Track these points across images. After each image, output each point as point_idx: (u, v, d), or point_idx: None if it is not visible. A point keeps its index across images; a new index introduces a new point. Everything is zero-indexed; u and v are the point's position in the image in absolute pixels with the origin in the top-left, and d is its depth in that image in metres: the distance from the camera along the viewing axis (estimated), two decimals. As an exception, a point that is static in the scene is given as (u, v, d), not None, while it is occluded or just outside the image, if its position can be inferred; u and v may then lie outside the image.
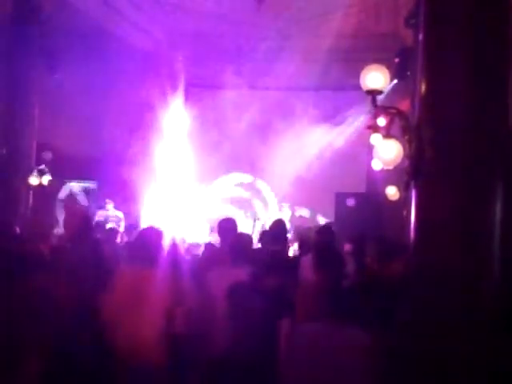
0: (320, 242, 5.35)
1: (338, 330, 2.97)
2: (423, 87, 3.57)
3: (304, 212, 10.80)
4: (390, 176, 7.97)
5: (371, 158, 9.29)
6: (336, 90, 10.84)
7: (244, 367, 3.35)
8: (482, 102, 3.41)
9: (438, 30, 3.59)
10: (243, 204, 11.52)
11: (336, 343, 2.92)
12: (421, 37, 3.68)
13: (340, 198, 9.75)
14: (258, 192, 11.84)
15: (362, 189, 10.27)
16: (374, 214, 8.72)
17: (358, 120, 10.21)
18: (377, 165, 9.65)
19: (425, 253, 3.46)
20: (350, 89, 8.83)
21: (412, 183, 3.53)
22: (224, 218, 5.73)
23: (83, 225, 4.78)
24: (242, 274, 3.81)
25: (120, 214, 9.82)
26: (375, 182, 9.07)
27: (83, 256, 4.33)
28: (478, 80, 3.43)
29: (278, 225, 5.54)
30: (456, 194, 3.36)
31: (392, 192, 8.43)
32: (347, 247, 5.76)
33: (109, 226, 8.24)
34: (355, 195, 9.77)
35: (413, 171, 3.48)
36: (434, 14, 3.66)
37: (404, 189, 3.60)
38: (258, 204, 11.73)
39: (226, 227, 5.32)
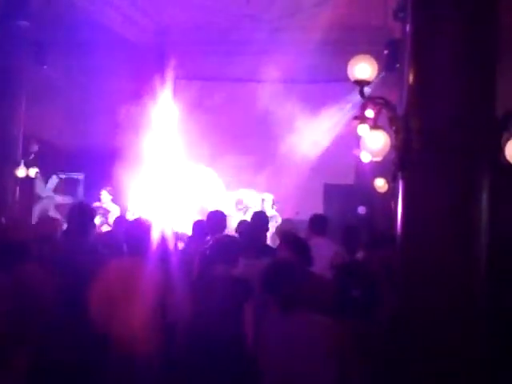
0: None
1: (296, 316, 3.00)
2: (411, 78, 3.57)
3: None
4: (379, 167, 8.00)
5: (359, 150, 9.31)
6: (325, 82, 10.83)
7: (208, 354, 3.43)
8: (470, 93, 3.42)
9: (426, 20, 3.59)
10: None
11: (295, 330, 2.95)
12: (408, 28, 3.68)
13: (328, 189, 9.77)
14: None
15: (350, 180, 10.28)
16: (362, 206, 8.76)
17: (346, 111, 10.21)
18: (365, 156, 9.66)
19: (411, 245, 3.47)
20: (339, 81, 8.82)
21: (399, 174, 3.54)
22: (213, 210, 5.76)
23: (84, 218, 4.71)
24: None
25: (112, 207, 9.46)
26: (364, 174, 9.09)
27: (77, 248, 4.29)
28: (465, 71, 3.43)
29: (259, 217, 5.58)
30: (443, 184, 3.37)
31: (380, 184, 8.46)
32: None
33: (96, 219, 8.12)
34: (343, 187, 9.80)
35: (400, 162, 3.48)
36: (422, 5, 3.67)
37: (391, 180, 3.60)
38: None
39: (216, 220, 5.35)
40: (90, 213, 4.76)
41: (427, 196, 3.40)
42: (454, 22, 3.47)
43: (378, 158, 3.71)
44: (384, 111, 3.62)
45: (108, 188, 9.19)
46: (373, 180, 8.70)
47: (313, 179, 10.09)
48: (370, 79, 3.61)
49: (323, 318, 2.98)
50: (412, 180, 3.47)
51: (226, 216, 5.61)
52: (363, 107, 3.57)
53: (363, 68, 3.60)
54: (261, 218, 5.54)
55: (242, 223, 5.61)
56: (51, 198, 10.21)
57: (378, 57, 4.31)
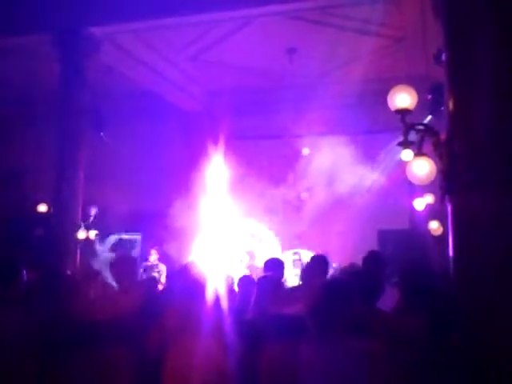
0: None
1: (338, 343, 2.92)
2: (450, 105, 3.64)
3: None
4: (433, 211, 7.95)
5: (412, 196, 9.29)
6: (369, 132, 10.95)
7: None
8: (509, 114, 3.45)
9: (461, 51, 3.69)
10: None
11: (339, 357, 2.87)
12: (444, 57, 3.78)
13: (382, 235, 9.69)
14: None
15: (404, 225, 10.17)
16: (418, 251, 8.63)
17: (394, 159, 10.23)
18: (419, 205, 9.59)
19: (465, 267, 3.43)
20: (383, 130, 8.94)
21: (447, 198, 3.55)
22: (271, 257, 5.80)
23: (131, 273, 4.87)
24: None
25: (162, 267, 9.70)
26: (417, 219, 9.03)
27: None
28: (503, 92, 3.48)
29: (316, 259, 5.55)
30: (490, 205, 3.35)
31: (435, 226, 8.36)
32: None
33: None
34: (398, 232, 9.70)
35: (446, 186, 3.51)
36: (456, 35, 3.77)
37: (439, 202, 3.61)
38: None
39: (273, 266, 5.36)
40: (133, 263, 4.97)
41: (476, 217, 3.39)
42: (488, 56, 3.55)
43: (422, 183, 3.74)
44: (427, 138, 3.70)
45: (156, 247, 9.57)
46: (427, 224, 8.62)
47: (366, 227, 10.06)
48: (411, 107, 3.71)
49: (370, 343, 2.92)
50: (459, 202, 3.48)
51: (283, 262, 5.66)
52: (405, 134, 3.65)
53: (403, 97, 3.72)
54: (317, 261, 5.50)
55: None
56: (107, 256, 10.55)
57: (423, 104, 4.41)
